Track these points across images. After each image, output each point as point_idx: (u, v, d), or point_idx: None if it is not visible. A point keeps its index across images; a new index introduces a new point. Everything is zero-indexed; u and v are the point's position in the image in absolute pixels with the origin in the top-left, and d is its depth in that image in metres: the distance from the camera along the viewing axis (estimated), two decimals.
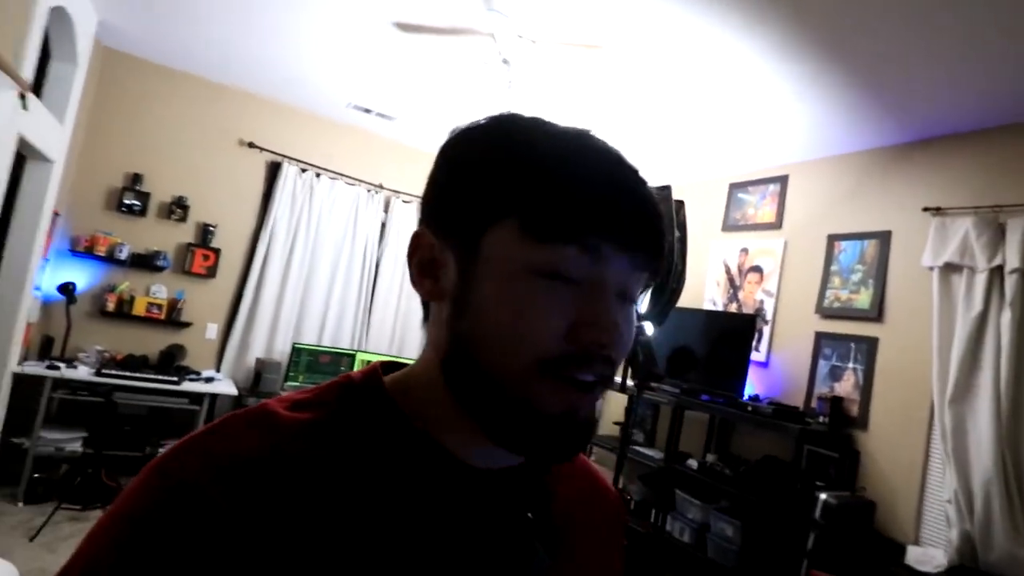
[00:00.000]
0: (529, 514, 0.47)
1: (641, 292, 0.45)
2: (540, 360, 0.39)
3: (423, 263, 0.45)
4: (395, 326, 4.81)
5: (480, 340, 0.41)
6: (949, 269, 2.72)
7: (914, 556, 2.54)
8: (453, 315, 0.43)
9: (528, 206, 0.40)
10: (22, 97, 2.21)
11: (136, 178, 3.85)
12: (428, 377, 0.45)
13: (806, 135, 3.28)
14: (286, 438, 0.40)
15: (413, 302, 4.84)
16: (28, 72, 2.39)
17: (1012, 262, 2.48)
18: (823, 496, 2.61)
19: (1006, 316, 2.47)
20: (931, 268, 2.77)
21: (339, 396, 0.45)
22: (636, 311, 0.44)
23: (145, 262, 3.86)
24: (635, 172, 0.43)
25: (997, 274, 2.55)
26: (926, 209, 2.89)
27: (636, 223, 0.41)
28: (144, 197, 3.87)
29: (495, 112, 0.46)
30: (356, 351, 4.44)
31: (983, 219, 2.64)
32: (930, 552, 2.53)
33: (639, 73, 2.87)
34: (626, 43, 2.60)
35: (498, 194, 0.41)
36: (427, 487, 0.43)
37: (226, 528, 0.35)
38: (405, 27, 2.74)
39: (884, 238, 3.10)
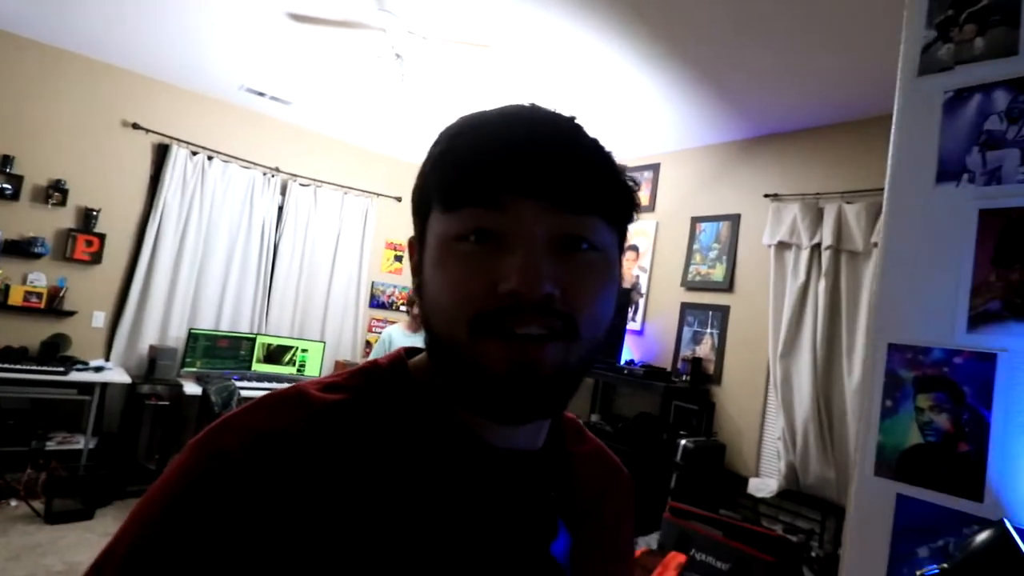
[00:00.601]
0: (552, 493, 0.50)
1: (611, 237, 0.46)
2: (471, 320, 0.41)
3: (414, 266, 0.49)
4: (295, 309, 4.83)
5: (431, 316, 0.44)
6: (782, 246, 3.23)
7: (754, 485, 3.06)
8: (418, 302, 0.47)
9: (438, 185, 0.43)
10: None
11: (6, 160, 3.61)
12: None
13: (673, 129, 3.69)
14: (319, 415, 0.42)
15: (313, 284, 4.90)
16: None
17: (827, 240, 3.01)
18: (683, 442, 3.06)
19: (822, 285, 3.00)
20: (769, 246, 3.28)
21: (368, 379, 0.48)
22: (603, 259, 0.45)
23: (20, 249, 3.65)
24: (552, 123, 0.44)
25: (816, 250, 3.08)
26: (766, 195, 3.38)
27: (544, 169, 0.41)
28: (16, 180, 3.64)
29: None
30: (256, 335, 4.44)
31: (807, 204, 3.15)
32: (765, 481, 3.06)
33: (524, 71, 3.12)
34: (512, 43, 2.84)
35: (426, 186, 0.45)
36: (453, 464, 0.45)
37: (262, 497, 0.37)
38: (298, 17, 2.82)
39: (735, 220, 3.60)
